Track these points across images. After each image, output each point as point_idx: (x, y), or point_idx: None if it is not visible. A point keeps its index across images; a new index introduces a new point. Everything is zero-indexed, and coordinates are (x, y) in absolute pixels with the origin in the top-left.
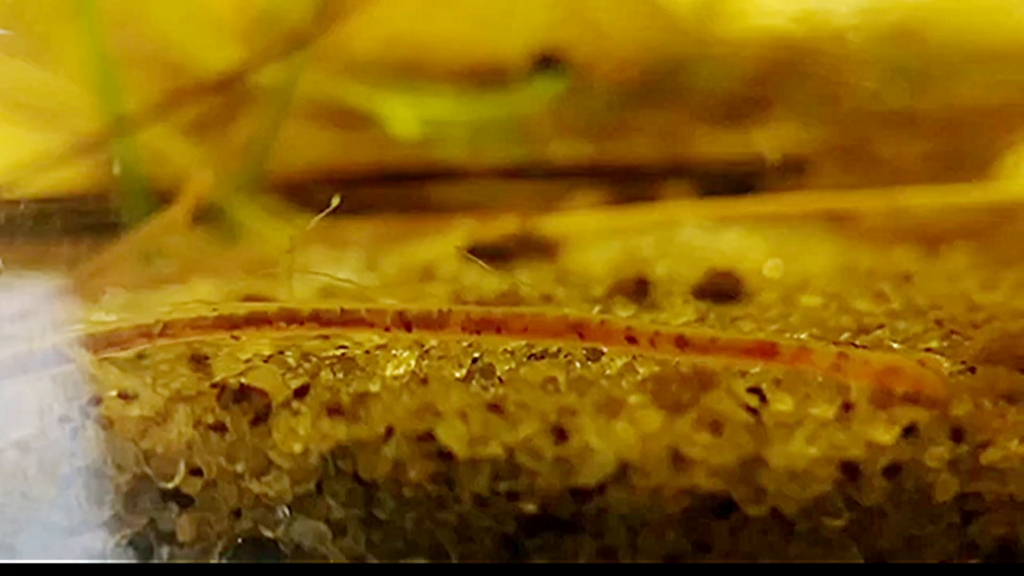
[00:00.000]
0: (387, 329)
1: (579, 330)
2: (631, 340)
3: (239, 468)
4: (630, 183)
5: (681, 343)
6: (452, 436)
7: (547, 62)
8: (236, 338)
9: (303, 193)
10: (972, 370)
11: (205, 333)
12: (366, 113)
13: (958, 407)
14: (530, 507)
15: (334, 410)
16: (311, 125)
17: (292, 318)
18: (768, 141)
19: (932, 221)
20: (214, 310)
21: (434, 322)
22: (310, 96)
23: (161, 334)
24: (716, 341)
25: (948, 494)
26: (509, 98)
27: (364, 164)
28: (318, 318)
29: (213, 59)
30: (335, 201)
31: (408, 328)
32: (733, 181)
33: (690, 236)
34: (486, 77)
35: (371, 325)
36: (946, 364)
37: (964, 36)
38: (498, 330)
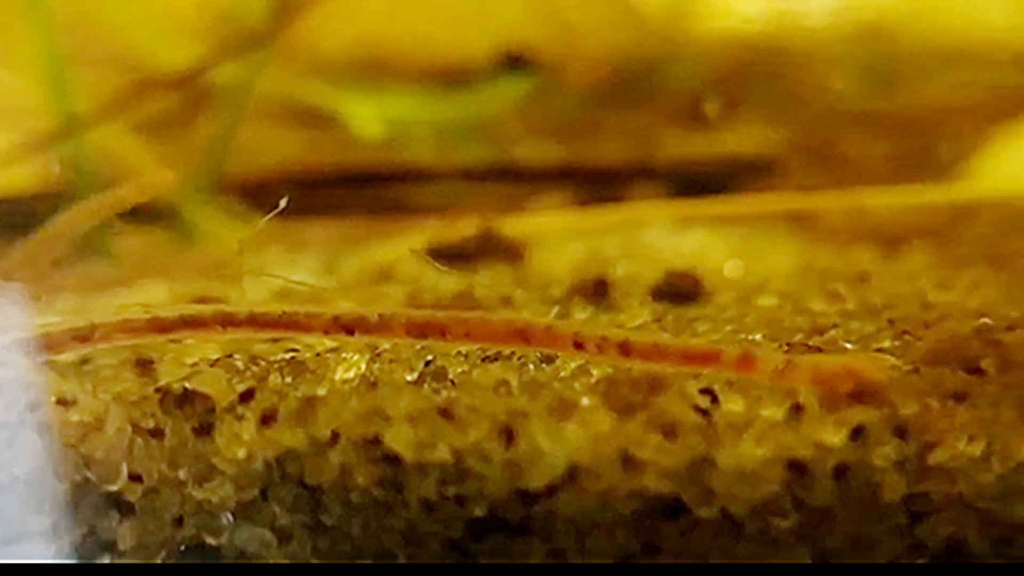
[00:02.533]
0: (327, 332)
1: (525, 335)
2: (578, 346)
3: (181, 474)
4: (599, 184)
5: (626, 349)
6: (400, 440)
7: (514, 62)
8: (176, 341)
9: (265, 194)
10: (918, 370)
11: (137, 336)
12: (329, 113)
13: (906, 408)
14: (478, 511)
15: (280, 415)
16: (276, 125)
17: (228, 321)
18: (737, 142)
19: (894, 221)
20: (147, 313)
21: (375, 326)
22: (274, 96)
23: (94, 338)
24: (660, 347)
25: (896, 494)
26: (474, 98)
27: (329, 165)
28: (255, 321)
29: (171, 57)
30: (283, 203)
31: (349, 332)
32: (702, 182)
33: (654, 237)
34: (454, 77)
35: (310, 329)
36: (896, 363)
37: (934, 36)
38: (442, 334)
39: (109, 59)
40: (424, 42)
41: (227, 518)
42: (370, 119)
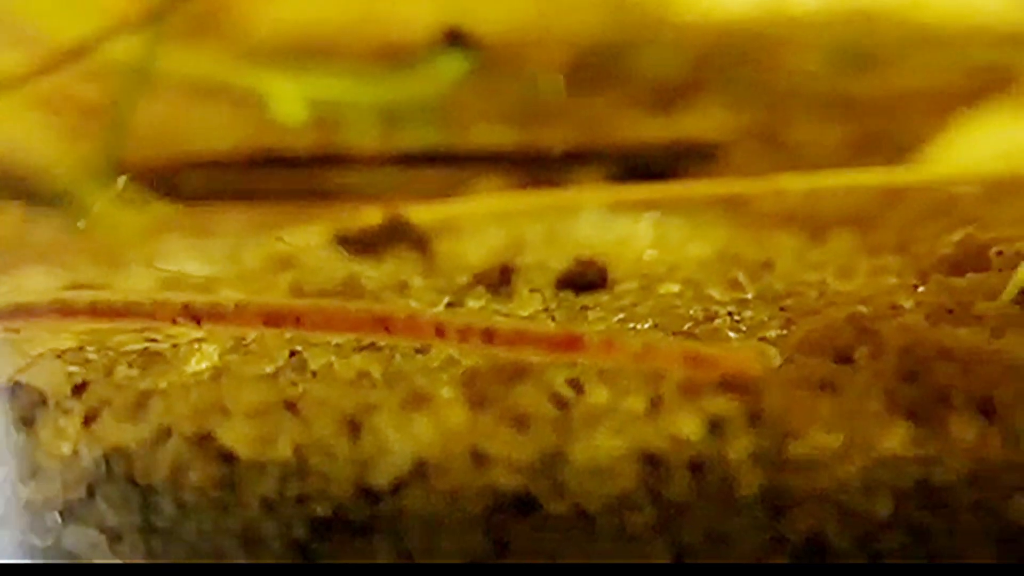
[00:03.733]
0: (175, 322)
1: (384, 324)
2: (440, 333)
3: (3, 472)
4: (542, 170)
5: (488, 336)
6: (235, 437)
7: (454, 40)
8: (16, 331)
9: (172, 179)
10: (793, 360)
11: None
12: (252, 94)
13: (769, 398)
14: (321, 510)
15: (110, 409)
16: (198, 107)
17: (65, 311)
18: (696, 126)
19: (827, 206)
20: None
21: (229, 315)
22: (197, 77)
23: None
24: (524, 334)
25: (754, 488)
26: (409, 79)
27: (251, 148)
28: (94, 310)
29: (69, 30)
30: (122, 181)
31: (197, 321)
32: (650, 167)
33: (582, 223)
34: (396, 58)
35: (155, 317)
36: (768, 351)
37: (920, 17)
38: (297, 323)
39: (3, 32)
40: (365, 22)
41: (53, 518)
42: (293, 100)
